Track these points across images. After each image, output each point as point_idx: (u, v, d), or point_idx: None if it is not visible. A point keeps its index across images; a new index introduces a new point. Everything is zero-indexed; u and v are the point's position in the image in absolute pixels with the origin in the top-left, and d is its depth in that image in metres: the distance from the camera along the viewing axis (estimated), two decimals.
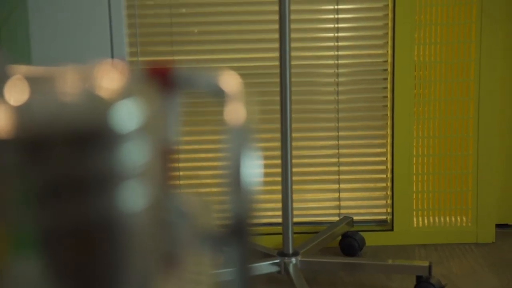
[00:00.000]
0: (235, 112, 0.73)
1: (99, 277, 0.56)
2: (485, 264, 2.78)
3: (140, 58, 2.81)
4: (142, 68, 0.80)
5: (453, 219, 2.93)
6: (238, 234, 0.68)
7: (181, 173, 2.88)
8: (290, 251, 2.56)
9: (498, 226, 2.98)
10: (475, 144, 2.86)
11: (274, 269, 2.54)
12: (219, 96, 0.78)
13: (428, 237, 2.92)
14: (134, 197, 0.57)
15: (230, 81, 0.78)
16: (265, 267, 2.54)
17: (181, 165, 2.87)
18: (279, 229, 2.76)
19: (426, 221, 2.93)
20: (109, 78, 0.60)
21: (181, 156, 2.86)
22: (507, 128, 2.94)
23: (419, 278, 2.54)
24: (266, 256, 2.58)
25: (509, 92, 2.92)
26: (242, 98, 0.75)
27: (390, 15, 2.79)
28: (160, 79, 0.79)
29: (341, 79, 2.85)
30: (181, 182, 2.90)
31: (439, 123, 2.87)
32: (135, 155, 0.57)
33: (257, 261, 2.54)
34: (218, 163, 2.86)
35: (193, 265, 0.72)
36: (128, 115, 0.56)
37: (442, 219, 2.93)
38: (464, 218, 2.93)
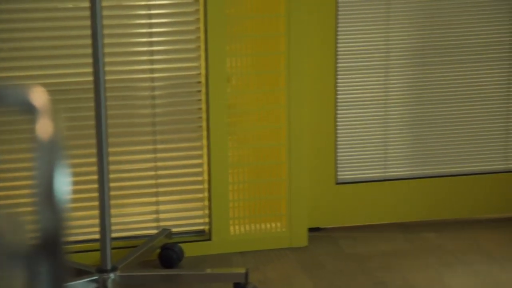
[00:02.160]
0: (45, 129, 0.71)
1: None
2: (299, 268, 2.84)
3: None
4: None
5: (268, 225, 2.98)
6: (51, 252, 0.66)
7: None
8: (108, 267, 2.52)
9: (310, 230, 3.06)
10: (287, 152, 2.92)
11: (92, 286, 2.50)
12: (29, 112, 0.76)
13: (246, 244, 2.95)
14: None
15: (39, 97, 0.76)
16: (82, 284, 2.49)
17: None
18: (97, 245, 2.72)
19: (243, 229, 2.96)
20: None
21: None
22: (316, 136, 3.02)
23: (236, 285, 2.56)
24: (83, 273, 2.53)
25: (317, 102, 3.00)
26: (52, 115, 0.73)
27: (202, 28, 2.81)
28: None
29: (156, 92, 2.85)
30: None
31: (253, 133, 2.91)
32: None
33: (74, 279, 2.49)
34: (30, 181, 2.78)
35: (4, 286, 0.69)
36: None
37: (258, 226, 2.98)
38: (278, 224, 2.99)
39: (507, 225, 3.09)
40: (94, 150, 2.74)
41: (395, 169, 3.10)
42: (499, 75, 3.07)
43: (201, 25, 2.82)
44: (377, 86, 3.04)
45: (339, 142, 3.06)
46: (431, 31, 3.02)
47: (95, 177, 2.60)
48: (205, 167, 2.91)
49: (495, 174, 3.12)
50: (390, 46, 3.02)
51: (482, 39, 3.04)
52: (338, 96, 3.03)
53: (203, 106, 2.87)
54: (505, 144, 3.11)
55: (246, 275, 2.57)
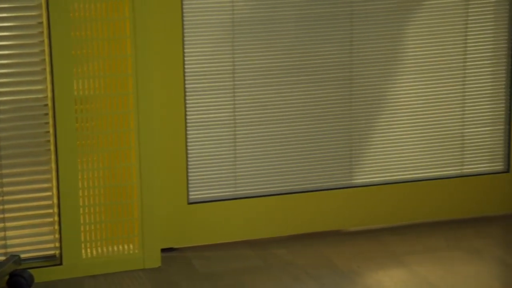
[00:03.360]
0: None
1: None
2: None
3: None
4: None
5: (121, 247, 2.95)
6: None
7: None
8: None
9: (163, 250, 3.04)
10: (137, 173, 2.90)
11: None
12: None
13: (98, 267, 2.91)
14: None
15: None
16: None
17: None
18: None
19: (95, 251, 2.92)
20: None
21: None
22: (167, 156, 3.02)
23: None
24: None
25: (167, 123, 3.00)
26: None
27: (47, 50, 2.77)
28: None
29: (1, 116, 2.78)
30: None
31: (103, 155, 2.88)
32: None
33: None
34: None
35: None
36: None
37: (110, 248, 2.94)
38: (131, 246, 2.95)
39: (353, 238, 3.16)
40: None
41: (245, 188, 3.13)
42: (342, 94, 3.14)
43: (46, 48, 2.77)
44: (226, 106, 3.07)
45: (190, 162, 3.06)
46: (276, 52, 3.07)
47: None
48: (54, 190, 2.85)
49: (339, 189, 3.18)
50: (236, 67, 3.05)
51: (324, 59, 3.11)
52: (188, 117, 3.03)
53: (51, 129, 2.82)
54: (349, 160, 3.18)
55: None
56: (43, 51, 2.78)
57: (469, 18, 3.18)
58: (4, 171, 2.81)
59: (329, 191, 3.18)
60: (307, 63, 3.09)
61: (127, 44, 2.83)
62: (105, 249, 2.93)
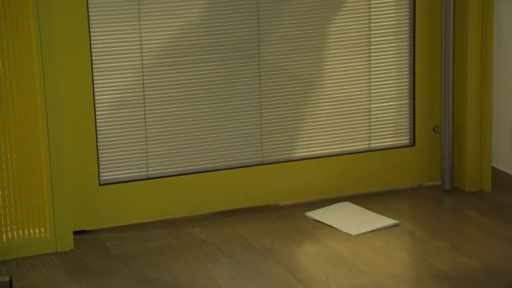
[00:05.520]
0: None
1: None
2: (65, 272, 2.76)
3: None
4: None
5: (31, 231, 2.88)
6: None
7: None
8: None
9: (76, 233, 2.99)
10: (47, 155, 2.83)
11: None
12: None
13: (8, 252, 2.83)
14: None
15: None
16: None
17: None
18: None
19: (5, 236, 2.84)
20: None
21: None
22: (77, 138, 2.96)
23: None
24: None
25: (75, 104, 2.94)
26: None
27: None
28: None
29: None
30: None
31: (9, 137, 2.80)
32: None
33: None
34: None
35: None
36: None
37: (21, 232, 2.87)
38: (42, 229, 2.89)
39: (266, 215, 3.16)
40: None
41: (157, 168, 3.09)
42: (250, 72, 3.13)
43: None
44: (135, 87, 3.02)
45: (100, 143, 3.00)
46: (184, 30, 3.03)
47: None
48: None
49: (250, 167, 3.18)
50: (144, 46, 3.00)
51: (232, 37, 3.09)
52: (96, 97, 2.98)
53: None
54: (259, 137, 3.18)
55: (11, 283, 2.46)
56: None
57: None
58: None
59: (240, 169, 3.17)
60: (215, 41, 3.07)
61: (33, 43, 2.75)
62: (15, 234, 2.85)
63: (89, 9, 2.91)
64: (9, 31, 2.74)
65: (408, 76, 3.31)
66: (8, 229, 2.84)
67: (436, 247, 2.87)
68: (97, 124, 2.99)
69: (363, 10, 3.20)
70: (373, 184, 3.33)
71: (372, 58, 3.25)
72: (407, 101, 3.33)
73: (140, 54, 3.00)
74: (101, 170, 3.02)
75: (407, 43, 3.28)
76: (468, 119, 3.26)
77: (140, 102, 3.03)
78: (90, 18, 2.92)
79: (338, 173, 3.28)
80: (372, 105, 3.29)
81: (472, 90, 3.24)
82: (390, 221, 3.05)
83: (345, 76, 3.24)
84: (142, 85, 3.02)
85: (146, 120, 3.05)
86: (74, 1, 2.87)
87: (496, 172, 3.44)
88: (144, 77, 3.02)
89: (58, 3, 2.81)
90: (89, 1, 2.90)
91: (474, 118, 3.26)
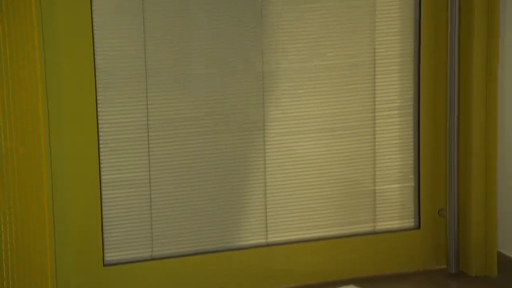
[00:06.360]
0: None
1: None
2: None
3: None
4: None
5: None
6: None
7: None
8: None
9: None
10: (51, 236, 2.79)
11: None
12: None
13: None
14: None
15: None
16: None
17: None
18: None
19: None
20: None
21: None
22: (82, 218, 2.93)
23: None
24: None
25: (82, 186, 2.92)
26: None
27: None
28: None
29: None
30: None
31: (15, 217, 2.77)
32: None
33: None
34: None
35: None
36: None
37: None
38: None
39: None
40: None
41: (161, 248, 3.05)
42: (256, 150, 3.13)
43: None
44: (141, 166, 3.01)
45: (105, 223, 2.97)
46: (190, 106, 3.04)
47: None
48: None
49: (254, 248, 3.15)
50: (151, 126, 3.00)
51: (238, 115, 3.10)
52: (103, 177, 2.95)
53: None
54: (263, 218, 3.15)
55: None
56: None
57: (376, 73, 3.22)
58: None
59: (243, 250, 3.13)
60: (219, 119, 3.07)
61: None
62: None
63: (98, 91, 2.91)
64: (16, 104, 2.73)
65: (412, 157, 3.30)
66: None
67: None
68: (103, 203, 2.96)
69: (368, 92, 3.21)
70: (377, 267, 3.29)
71: (377, 140, 3.25)
72: (412, 183, 3.31)
73: (146, 128, 2.99)
74: (105, 251, 2.98)
75: (411, 124, 3.28)
76: (473, 203, 3.24)
77: (146, 182, 3.00)
78: (98, 99, 2.91)
79: (343, 255, 3.24)
80: (376, 187, 3.27)
81: (477, 174, 3.23)
82: None
83: (350, 157, 3.23)
84: (148, 164, 3.00)
85: (153, 200, 3.02)
86: (82, 84, 2.88)
87: (502, 257, 3.40)
88: (150, 156, 3.00)
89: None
90: (97, 85, 2.90)
91: (480, 202, 3.24)
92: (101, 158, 2.94)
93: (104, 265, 2.98)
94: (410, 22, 3.21)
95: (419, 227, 3.33)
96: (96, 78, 2.89)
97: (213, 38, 3.00)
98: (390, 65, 3.22)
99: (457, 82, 3.20)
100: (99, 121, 2.91)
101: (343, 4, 3.13)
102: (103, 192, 2.96)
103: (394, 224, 3.32)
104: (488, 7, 3.11)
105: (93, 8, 2.85)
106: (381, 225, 3.30)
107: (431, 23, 3.20)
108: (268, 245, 3.16)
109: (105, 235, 2.97)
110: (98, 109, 2.91)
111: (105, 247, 2.98)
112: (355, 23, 3.15)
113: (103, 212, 2.96)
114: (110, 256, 2.99)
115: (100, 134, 2.92)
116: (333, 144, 3.20)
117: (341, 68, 3.16)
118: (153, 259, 3.04)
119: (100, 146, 2.93)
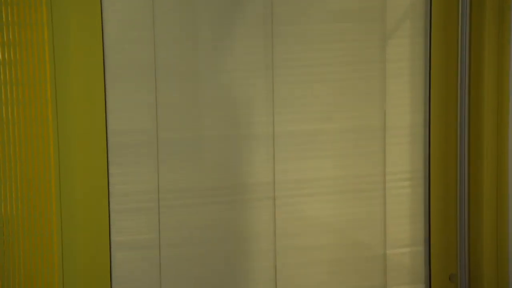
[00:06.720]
0: None
1: None
2: None
3: None
4: None
5: None
6: None
7: None
8: None
9: None
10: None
11: None
12: None
13: None
14: None
15: None
16: None
17: None
18: None
19: None
20: None
21: None
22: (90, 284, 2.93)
23: None
24: None
25: (87, 251, 2.91)
26: None
27: None
28: None
29: None
30: None
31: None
32: None
33: None
34: None
35: None
36: None
37: None
38: None
39: None
40: None
41: None
42: (266, 215, 3.12)
43: None
44: (151, 228, 3.00)
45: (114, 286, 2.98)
46: (201, 173, 3.04)
47: None
48: None
49: None
50: (161, 189, 3.01)
51: (247, 180, 3.09)
52: (112, 238, 2.95)
53: None
54: (274, 283, 3.13)
55: None
56: None
57: (386, 137, 3.22)
58: None
59: None
60: (228, 185, 3.07)
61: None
62: None
63: (109, 152, 2.92)
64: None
65: (423, 222, 3.28)
66: None
67: None
68: (112, 270, 2.95)
69: (378, 155, 3.21)
70: None
71: (387, 203, 3.23)
72: (422, 248, 3.29)
73: (157, 197, 3.00)
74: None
75: (422, 188, 3.27)
76: (484, 269, 3.21)
77: (155, 244, 3.00)
78: (109, 160, 2.92)
79: None
80: (387, 251, 3.25)
81: (488, 239, 3.21)
82: None
83: (360, 220, 3.22)
84: (158, 226, 3.00)
85: (161, 262, 3.01)
86: (93, 143, 2.89)
87: None
88: (160, 218, 3.00)
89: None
90: (109, 153, 2.92)
91: (492, 269, 3.22)
92: (111, 220, 2.94)
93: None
94: (420, 93, 3.22)
95: None
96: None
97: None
98: (401, 130, 3.23)
99: (467, 159, 3.20)
100: (110, 188, 2.93)
101: (355, 75, 3.15)
102: (112, 254, 2.95)
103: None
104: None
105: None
106: None
107: (442, 94, 3.21)
108: None
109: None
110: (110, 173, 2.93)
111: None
112: (366, 92, 3.17)
113: (112, 276, 2.95)
114: None
115: (110, 196, 2.93)
116: (344, 207, 3.19)
117: (353, 132, 3.16)
118: None
119: (110, 207, 2.93)
